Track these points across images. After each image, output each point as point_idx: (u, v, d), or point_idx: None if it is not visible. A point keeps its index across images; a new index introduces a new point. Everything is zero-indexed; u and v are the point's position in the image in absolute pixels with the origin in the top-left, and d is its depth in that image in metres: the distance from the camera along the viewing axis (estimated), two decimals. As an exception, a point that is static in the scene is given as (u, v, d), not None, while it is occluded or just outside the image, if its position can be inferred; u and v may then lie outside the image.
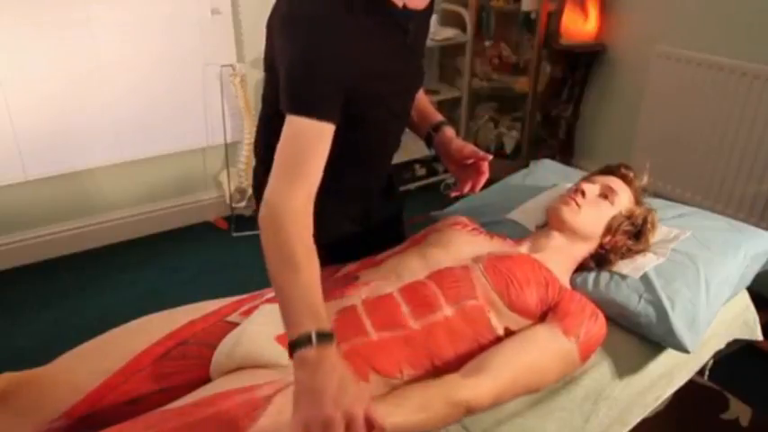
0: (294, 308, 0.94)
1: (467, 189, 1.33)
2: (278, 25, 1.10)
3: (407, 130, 1.43)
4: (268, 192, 1.02)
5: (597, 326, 1.19)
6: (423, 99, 1.45)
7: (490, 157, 1.30)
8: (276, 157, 1.04)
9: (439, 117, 1.43)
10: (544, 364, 1.14)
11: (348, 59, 1.06)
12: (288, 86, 1.06)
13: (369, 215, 1.44)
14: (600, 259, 1.38)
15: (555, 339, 1.15)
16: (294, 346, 0.90)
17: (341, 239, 1.37)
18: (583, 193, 1.37)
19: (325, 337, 0.90)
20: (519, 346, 1.14)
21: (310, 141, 1.04)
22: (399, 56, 1.22)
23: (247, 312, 1.19)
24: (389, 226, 1.54)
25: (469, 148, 1.33)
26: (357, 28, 1.07)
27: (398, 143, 1.42)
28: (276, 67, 1.12)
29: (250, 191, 2.90)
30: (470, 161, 1.33)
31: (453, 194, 1.39)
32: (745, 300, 1.59)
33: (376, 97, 1.17)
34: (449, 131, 1.40)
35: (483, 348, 1.15)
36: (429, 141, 1.42)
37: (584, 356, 1.17)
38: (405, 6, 1.14)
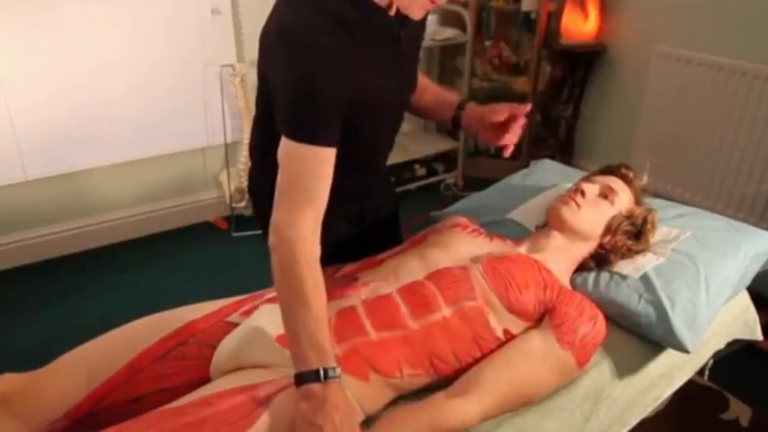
0: (302, 343, 0.98)
1: (510, 144, 1.28)
2: (273, 44, 1.06)
3: (427, 120, 1.43)
4: (276, 221, 1.02)
5: (595, 330, 1.18)
6: (433, 87, 1.43)
7: (528, 107, 1.25)
8: (279, 183, 1.04)
9: (458, 97, 1.40)
10: (538, 376, 1.13)
11: (345, 82, 1.04)
12: (287, 112, 1.05)
13: (365, 215, 1.43)
14: (600, 259, 1.37)
15: (549, 350, 1.13)
16: (301, 379, 0.97)
17: (338, 240, 1.36)
18: (583, 193, 1.36)
19: (331, 373, 0.96)
20: (511, 361, 1.12)
21: (314, 167, 1.03)
22: (393, 64, 1.20)
23: (247, 312, 1.19)
24: (386, 226, 1.54)
25: (501, 105, 1.28)
26: (351, 47, 1.04)
27: (392, 144, 1.41)
28: (269, 78, 1.10)
29: (250, 191, 2.90)
30: (504, 117, 1.27)
31: (507, 155, 1.31)
32: (745, 300, 1.59)
33: (371, 109, 1.16)
34: (471, 105, 1.37)
35: (482, 349, 1.15)
36: (456, 121, 1.38)
37: (582, 363, 1.16)
38: (398, 13, 1.12)
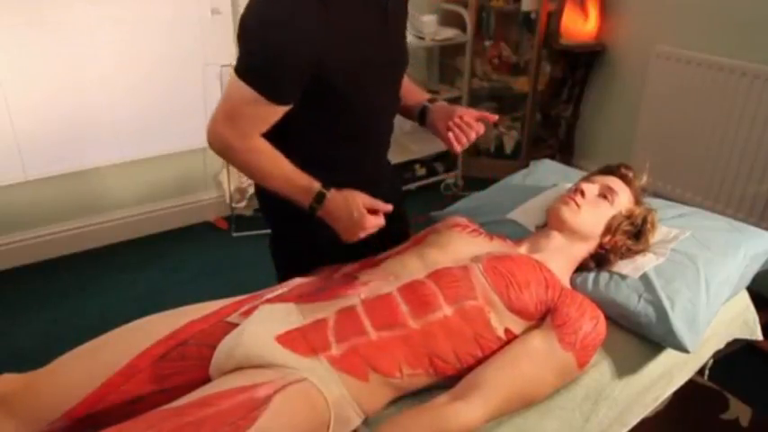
0: (292, 195, 1.26)
1: (458, 142, 1.37)
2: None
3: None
4: (212, 126, 1.22)
5: (596, 330, 1.17)
6: (410, 84, 1.51)
7: (496, 117, 1.38)
8: (221, 102, 1.21)
9: (428, 96, 1.51)
10: (539, 377, 1.12)
11: (309, 46, 1.13)
12: (243, 56, 1.16)
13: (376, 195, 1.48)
14: (600, 259, 1.37)
15: (551, 351, 1.13)
16: (313, 209, 1.26)
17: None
18: (582, 193, 1.36)
19: (320, 197, 1.24)
20: (513, 362, 1.12)
21: (257, 113, 1.19)
22: (380, 35, 1.27)
23: (247, 313, 1.19)
24: (393, 222, 1.55)
25: (467, 114, 1.38)
26: (326, 14, 1.13)
27: (390, 128, 1.46)
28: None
29: (250, 191, 2.90)
30: (473, 119, 1.37)
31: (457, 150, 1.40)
32: (744, 299, 1.59)
33: (350, 75, 1.23)
34: (440, 102, 1.47)
35: (483, 348, 1.15)
36: (423, 115, 1.47)
37: (583, 363, 1.16)
38: None
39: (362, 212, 1.24)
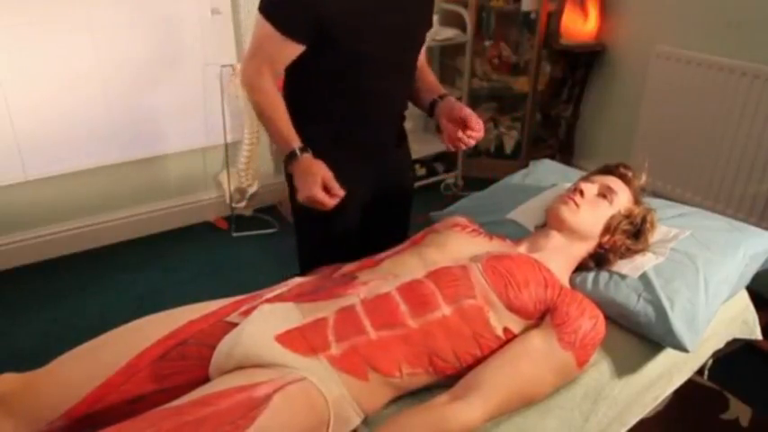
0: (279, 140, 1.43)
1: (456, 144, 1.48)
2: None
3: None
4: (244, 67, 1.42)
5: (595, 330, 1.18)
6: (431, 76, 1.64)
7: (480, 132, 1.45)
8: (250, 43, 1.41)
9: (444, 91, 1.60)
10: (539, 377, 1.13)
11: None
12: None
13: (382, 174, 1.61)
14: (599, 259, 1.37)
15: (550, 350, 1.13)
16: (289, 160, 1.41)
17: (354, 209, 1.55)
18: (581, 193, 1.36)
19: (301, 150, 1.39)
20: (512, 362, 1.12)
21: (273, 42, 1.35)
22: (396, 6, 1.39)
23: (247, 312, 1.19)
24: (397, 208, 1.72)
25: (467, 110, 1.47)
26: None
27: (400, 102, 1.59)
28: None
29: (250, 191, 2.90)
30: (469, 118, 1.45)
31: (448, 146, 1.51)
32: (744, 299, 1.59)
33: (355, 32, 1.36)
34: (452, 98, 1.56)
35: (482, 347, 1.15)
36: (432, 107, 1.57)
37: (582, 363, 1.16)
38: None
39: (316, 182, 1.35)
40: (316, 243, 1.62)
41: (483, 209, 1.65)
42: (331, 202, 1.35)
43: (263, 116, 1.43)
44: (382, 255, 1.39)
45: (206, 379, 1.09)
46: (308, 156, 1.39)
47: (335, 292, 1.21)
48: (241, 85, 1.46)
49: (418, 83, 1.61)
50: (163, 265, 2.68)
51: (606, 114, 3.19)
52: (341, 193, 1.36)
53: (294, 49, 1.36)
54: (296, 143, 1.39)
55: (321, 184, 1.34)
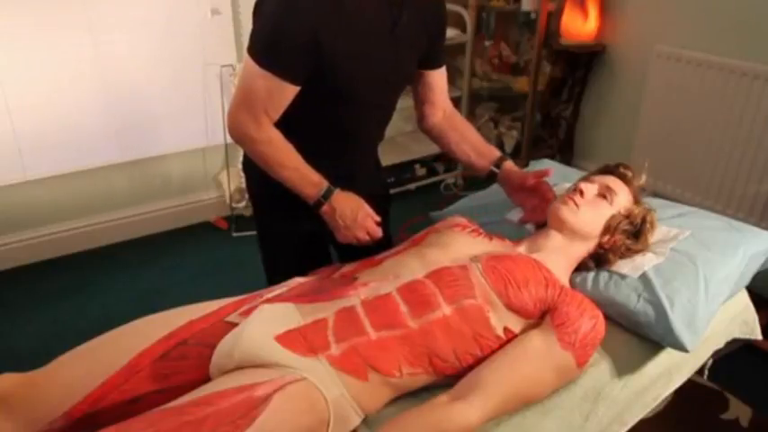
0: (302, 184, 1.33)
1: (532, 218, 1.48)
2: None
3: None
4: (230, 114, 1.30)
5: (595, 330, 1.17)
6: (474, 135, 1.59)
7: (550, 174, 1.45)
8: (238, 87, 1.29)
9: (497, 153, 1.57)
10: (539, 377, 1.12)
11: (315, 33, 1.19)
12: (255, 37, 1.26)
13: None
14: (599, 259, 1.37)
15: (550, 350, 1.13)
16: (317, 208, 1.34)
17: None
18: (581, 193, 1.36)
19: (327, 192, 1.33)
20: (512, 362, 1.11)
21: (267, 88, 1.25)
22: (388, 46, 1.32)
23: (247, 312, 1.19)
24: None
25: (530, 178, 1.46)
26: (336, 11, 1.20)
27: (377, 134, 1.53)
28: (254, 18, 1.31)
29: (250, 191, 2.90)
30: (532, 182, 1.46)
31: (521, 222, 1.52)
32: (744, 299, 1.59)
33: (352, 74, 1.29)
34: (509, 164, 1.54)
35: (482, 347, 1.15)
36: (492, 177, 1.56)
37: (582, 363, 1.16)
38: None
39: (368, 213, 1.35)
40: (287, 259, 1.58)
41: (483, 209, 1.65)
42: (380, 231, 1.37)
43: (273, 166, 1.32)
44: (382, 255, 1.39)
45: (206, 379, 1.10)
46: (338, 189, 1.34)
47: (335, 292, 1.21)
48: (232, 138, 1.33)
49: (461, 144, 1.56)
50: (163, 264, 2.68)
51: (606, 114, 3.19)
52: (377, 219, 1.37)
53: (293, 92, 1.28)
54: (324, 181, 1.33)
55: (372, 214, 1.35)
